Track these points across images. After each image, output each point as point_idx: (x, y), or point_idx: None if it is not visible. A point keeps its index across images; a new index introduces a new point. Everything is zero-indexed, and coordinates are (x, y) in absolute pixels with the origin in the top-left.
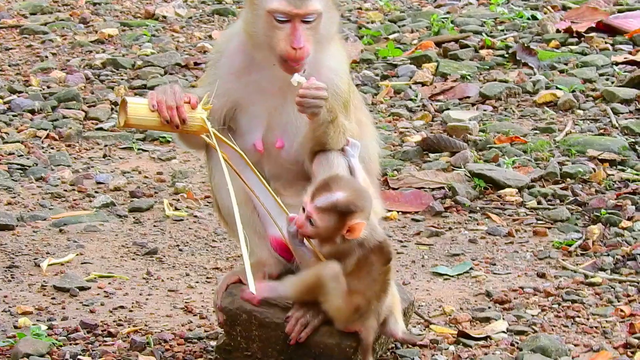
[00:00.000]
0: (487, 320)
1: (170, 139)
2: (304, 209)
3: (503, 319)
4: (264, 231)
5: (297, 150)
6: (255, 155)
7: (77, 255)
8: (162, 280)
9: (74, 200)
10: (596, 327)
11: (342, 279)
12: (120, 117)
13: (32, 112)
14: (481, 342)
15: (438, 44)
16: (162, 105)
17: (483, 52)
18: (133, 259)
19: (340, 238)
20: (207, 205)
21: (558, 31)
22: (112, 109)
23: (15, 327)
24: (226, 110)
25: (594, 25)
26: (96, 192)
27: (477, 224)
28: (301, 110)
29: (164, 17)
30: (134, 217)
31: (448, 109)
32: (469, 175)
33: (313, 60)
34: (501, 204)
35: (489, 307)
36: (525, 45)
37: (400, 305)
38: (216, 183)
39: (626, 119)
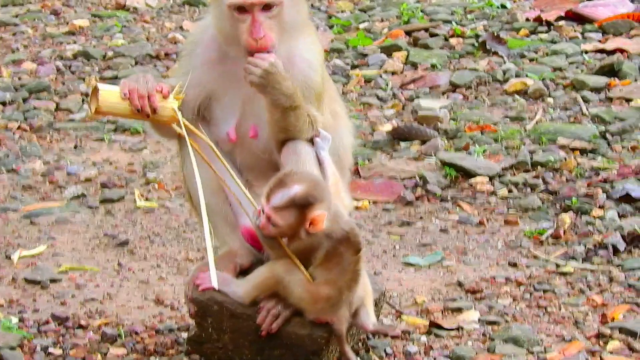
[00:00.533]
0: (459, 310)
1: (141, 129)
2: (262, 211)
3: (475, 309)
4: (236, 221)
5: (269, 140)
6: (228, 145)
7: (48, 247)
8: (133, 272)
9: (45, 191)
10: (568, 317)
11: (297, 270)
12: (92, 105)
13: (3, 103)
14: (453, 333)
15: (408, 33)
16: (133, 93)
17: (453, 40)
18: (104, 251)
19: (304, 232)
20: (179, 196)
21: (527, 20)
22: (83, 100)
23: None
24: (200, 100)
25: (563, 14)
26: (67, 183)
27: (448, 213)
28: (245, 78)
29: (135, 8)
30: (105, 208)
31: (418, 97)
32: (440, 164)
33: (285, 51)
34: (472, 192)
35: (461, 297)
36: (495, 33)
37: (372, 297)
38: (187, 172)
39: (596, 107)
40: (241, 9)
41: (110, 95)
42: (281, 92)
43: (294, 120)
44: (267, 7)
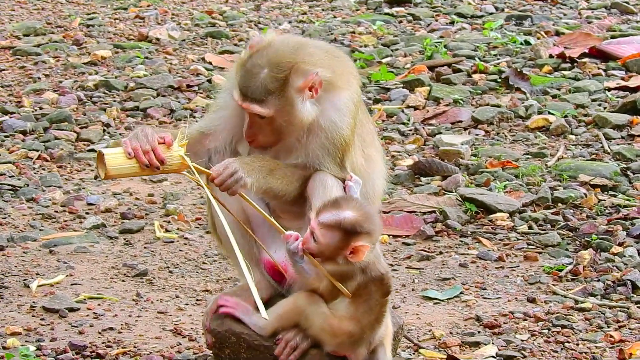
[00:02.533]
0: (477, 344)
1: None
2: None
3: (493, 343)
4: (257, 254)
5: None
6: None
7: (66, 276)
8: (152, 302)
9: (65, 221)
10: (586, 353)
11: (321, 301)
12: (100, 170)
13: (24, 133)
14: None
15: (431, 68)
16: (138, 150)
17: (476, 76)
18: (123, 281)
19: (343, 259)
20: (198, 227)
21: (551, 56)
22: (104, 131)
23: (4, 348)
24: (237, 138)
25: (586, 50)
26: (87, 213)
27: (468, 248)
28: (230, 193)
29: (157, 39)
30: (124, 239)
31: (440, 133)
32: (460, 199)
33: (311, 119)
34: (492, 228)
35: (479, 332)
36: (518, 70)
37: (391, 336)
38: (213, 208)
39: (618, 144)
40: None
41: (115, 158)
42: (246, 173)
43: (277, 182)
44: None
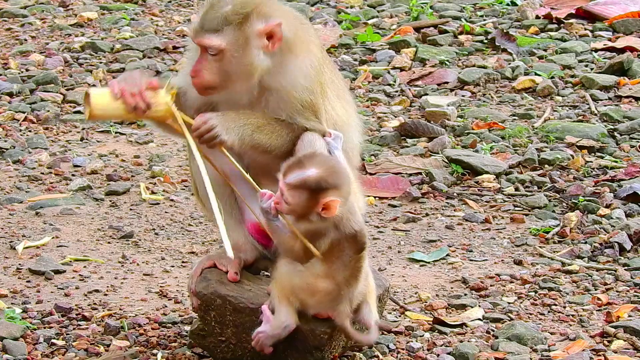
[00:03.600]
0: (463, 307)
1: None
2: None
3: (479, 306)
4: (241, 216)
5: None
6: None
7: (53, 238)
8: (138, 264)
9: (51, 183)
10: (573, 316)
11: (297, 263)
12: (86, 110)
13: (10, 95)
14: (457, 330)
15: (417, 29)
16: (125, 92)
17: (462, 37)
18: (109, 243)
19: (316, 215)
20: (184, 189)
21: (537, 17)
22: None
23: None
24: (204, 98)
25: (573, 11)
26: (73, 175)
27: (454, 210)
28: (208, 147)
29: (144, 1)
30: (110, 201)
31: (426, 94)
32: (446, 161)
33: (263, 73)
34: (478, 190)
35: (465, 294)
36: (505, 31)
37: (375, 294)
38: (195, 165)
39: (605, 105)
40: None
41: (102, 98)
42: (224, 127)
43: (265, 136)
44: (209, 50)
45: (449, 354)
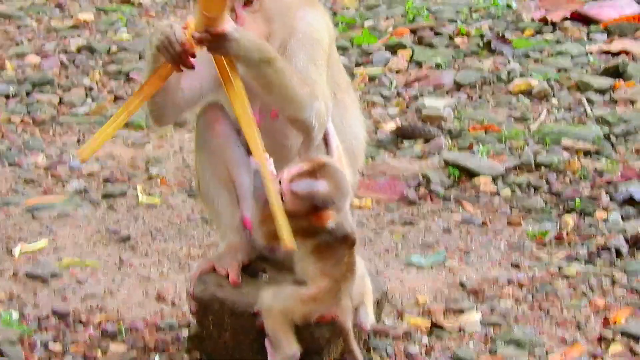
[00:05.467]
0: (461, 311)
1: (144, 124)
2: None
3: (477, 310)
4: (240, 215)
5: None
6: None
7: (49, 241)
8: (135, 268)
9: (47, 185)
10: (570, 320)
11: (284, 286)
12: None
13: (7, 96)
14: (455, 334)
15: (413, 32)
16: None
17: (458, 40)
18: (105, 246)
19: (306, 220)
20: (181, 192)
21: (533, 20)
22: (86, 94)
23: None
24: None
25: (568, 14)
26: (69, 177)
27: (451, 213)
28: (209, 48)
29: (140, 2)
30: (107, 203)
31: (422, 96)
32: (443, 163)
33: (284, 25)
34: (475, 192)
35: (463, 298)
36: (500, 33)
37: (372, 297)
38: (201, 160)
39: (600, 108)
40: None
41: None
42: (243, 45)
43: (277, 77)
44: (247, 3)
45: (447, 358)
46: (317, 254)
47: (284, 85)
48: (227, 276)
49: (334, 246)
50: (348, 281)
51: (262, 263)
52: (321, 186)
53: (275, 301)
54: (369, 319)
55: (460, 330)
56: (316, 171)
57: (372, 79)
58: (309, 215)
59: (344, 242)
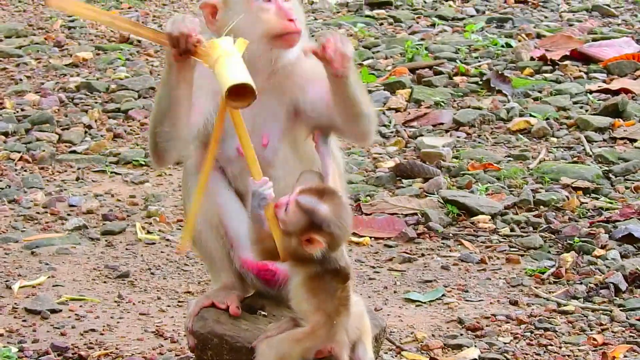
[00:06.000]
0: (459, 347)
1: (144, 162)
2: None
3: (475, 346)
4: (234, 255)
5: (279, 147)
6: (237, 164)
7: (48, 277)
8: (134, 304)
9: (47, 222)
10: (569, 356)
11: (283, 333)
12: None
13: (6, 134)
14: None
15: (412, 71)
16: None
17: (457, 79)
18: (105, 282)
19: (297, 242)
20: (180, 229)
21: (532, 59)
22: (85, 132)
23: None
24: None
25: (568, 53)
26: (69, 214)
27: (450, 251)
28: (335, 70)
29: (139, 41)
30: (106, 240)
31: (421, 135)
32: (442, 201)
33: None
34: (474, 230)
35: (461, 334)
36: (499, 72)
37: (371, 334)
38: (190, 204)
39: (600, 147)
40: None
41: None
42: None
43: (361, 91)
44: None
45: None
46: (310, 288)
47: (364, 101)
48: (227, 309)
49: (326, 280)
50: (342, 316)
51: (260, 300)
52: (324, 208)
53: (270, 349)
54: (367, 356)
55: None
56: (325, 194)
57: None
58: (302, 235)
59: (337, 275)
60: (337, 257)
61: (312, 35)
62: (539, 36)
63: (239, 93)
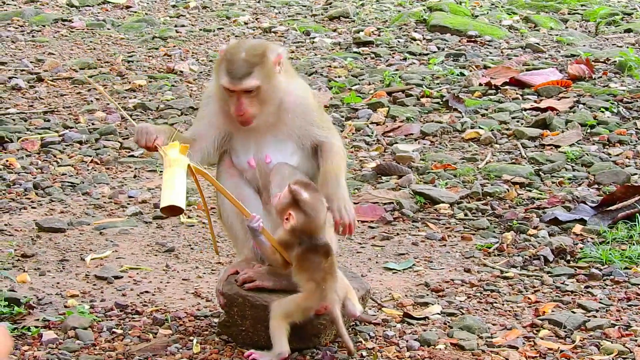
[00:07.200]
0: (426, 304)
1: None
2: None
3: (438, 304)
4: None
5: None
6: (250, 171)
7: (113, 252)
8: (178, 272)
9: (111, 209)
10: (509, 311)
11: (282, 296)
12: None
13: (80, 143)
14: (421, 322)
15: (389, 94)
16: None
17: (423, 100)
18: (155, 255)
19: (282, 219)
20: (212, 214)
21: (480, 84)
22: None
23: (65, 307)
24: (220, 138)
25: (508, 80)
26: (128, 204)
27: (418, 231)
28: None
29: (181, 71)
30: (156, 223)
31: (397, 142)
32: (412, 193)
33: (283, 94)
34: (437, 215)
35: (427, 295)
36: (456, 95)
37: (354, 291)
38: (220, 199)
39: (532, 151)
40: (229, 91)
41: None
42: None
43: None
44: (247, 91)
45: (415, 340)
46: (300, 264)
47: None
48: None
49: (311, 256)
50: (329, 281)
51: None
52: (305, 195)
53: (280, 307)
54: (357, 307)
55: (425, 319)
56: (310, 188)
57: (358, 129)
58: (284, 213)
59: (318, 252)
60: (316, 238)
61: (313, 67)
62: (485, 67)
63: (173, 208)
